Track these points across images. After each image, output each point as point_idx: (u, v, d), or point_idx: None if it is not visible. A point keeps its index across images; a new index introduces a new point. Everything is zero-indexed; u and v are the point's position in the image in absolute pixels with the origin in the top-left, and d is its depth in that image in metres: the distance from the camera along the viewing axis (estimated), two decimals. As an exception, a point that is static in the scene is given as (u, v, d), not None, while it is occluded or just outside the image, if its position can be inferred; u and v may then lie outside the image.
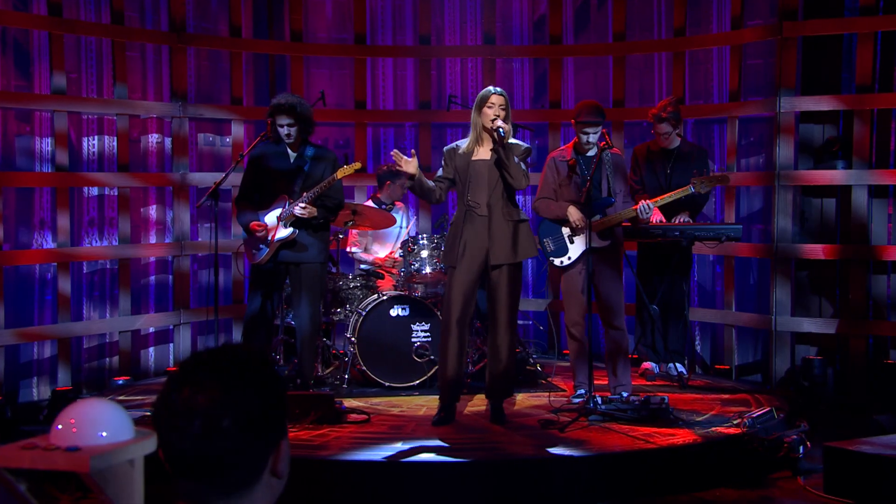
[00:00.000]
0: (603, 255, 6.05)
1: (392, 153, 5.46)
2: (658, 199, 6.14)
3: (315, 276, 6.03)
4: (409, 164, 5.48)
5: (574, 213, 5.97)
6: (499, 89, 5.56)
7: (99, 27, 7.45)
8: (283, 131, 5.87)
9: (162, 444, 1.69)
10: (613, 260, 6.12)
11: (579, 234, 5.97)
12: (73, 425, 2.45)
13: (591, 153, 6.06)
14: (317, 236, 6.02)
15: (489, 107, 5.51)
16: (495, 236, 5.55)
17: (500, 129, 5.43)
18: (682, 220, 6.71)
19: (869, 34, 6.94)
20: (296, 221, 5.89)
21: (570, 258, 6.06)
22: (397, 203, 7.51)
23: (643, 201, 6.05)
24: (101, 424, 2.45)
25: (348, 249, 7.50)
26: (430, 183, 5.66)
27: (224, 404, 1.64)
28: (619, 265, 6.16)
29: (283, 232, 5.89)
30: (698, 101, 8.04)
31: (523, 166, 5.56)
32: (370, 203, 7.40)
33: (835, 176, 7.09)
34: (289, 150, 5.98)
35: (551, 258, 6.11)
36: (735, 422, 5.53)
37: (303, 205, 5.81)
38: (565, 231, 6.06)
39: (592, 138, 5.99)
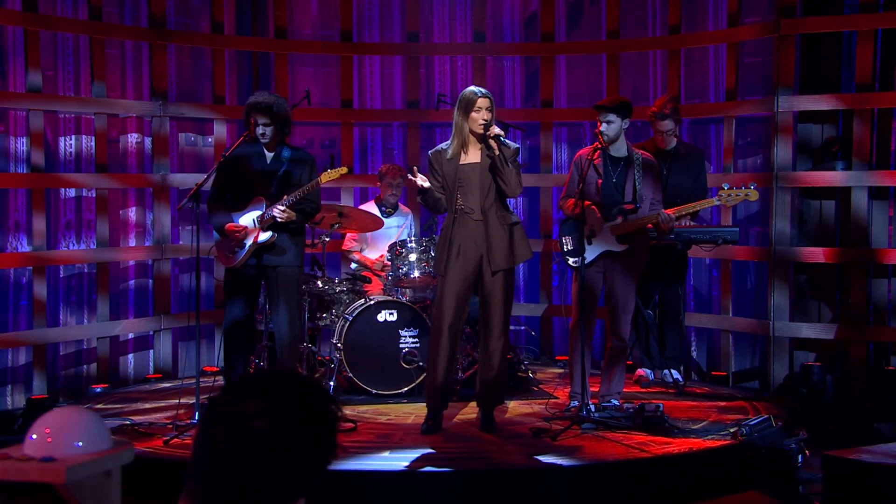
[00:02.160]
0: (620, 260, 6.01)
1: (413, 177, 5.51)
2: (679, 209, 6.08)
3: (294, 280, 6.00)
4: (424, 180, 5.52)
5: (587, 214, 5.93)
6: (483, 91, 5.53)
7: (76, 23, 7.43)
8: (259, 131, 5.84)
9: (197, 436, 1.70)
10: (630, 267, 6.05)
11: (597, 236, 5.94)
12: (48, 435, 2.44)
13: (616, 153, 6.04)
14: (295, 240, 5.99)
15: (476, 111, 5.49)
16: (493, 241, 5.54)
17: (501, 136, 5.42)
18: (685, 224, 6.68)
19: (869, 32, 6.97)
20: (274, 224, 5.86)
21: (585, 259, 6.01)
22: (404, 208, 7.56)
23: (664, 211, 5.95)
24: (76, 434, 2.44)
25: (344, 249, 7.54)
26: (438, 194, 5.65)
27: (275, 437, 1.66)
28: (634, 274, 6.08)
29: (262, 235, 5.87)
30: (694, 100, 8.06)
31: (515, 170, 5.54)
32: (371, 205, 7.44)
33: (834, 177, 7.11)
34: (265, 151, 5.95)
35: (567, 257, 6.07)
36: (732, 430, 5.53)
37: (282, 208, 5.78)
38: (585, 231, 6.00)
39: (604, 128, 5.90)
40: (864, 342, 7.03)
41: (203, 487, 1.67)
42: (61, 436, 2.43)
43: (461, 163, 5.60)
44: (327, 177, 5.89)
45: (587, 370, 5.93)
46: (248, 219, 5.90)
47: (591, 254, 5.98)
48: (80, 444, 2.44)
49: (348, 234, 7.47)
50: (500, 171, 5.46)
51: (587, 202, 5.89)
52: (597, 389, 6.22)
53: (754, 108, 7.49)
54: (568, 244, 6.05)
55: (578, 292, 5.91)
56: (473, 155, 5.60)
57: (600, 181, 5.97)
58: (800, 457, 5.26)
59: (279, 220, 5.80)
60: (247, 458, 1.64)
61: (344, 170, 5.97)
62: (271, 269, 5.94)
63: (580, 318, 5.89)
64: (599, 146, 5.94)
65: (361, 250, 7.54)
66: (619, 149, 6.01)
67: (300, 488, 1.70)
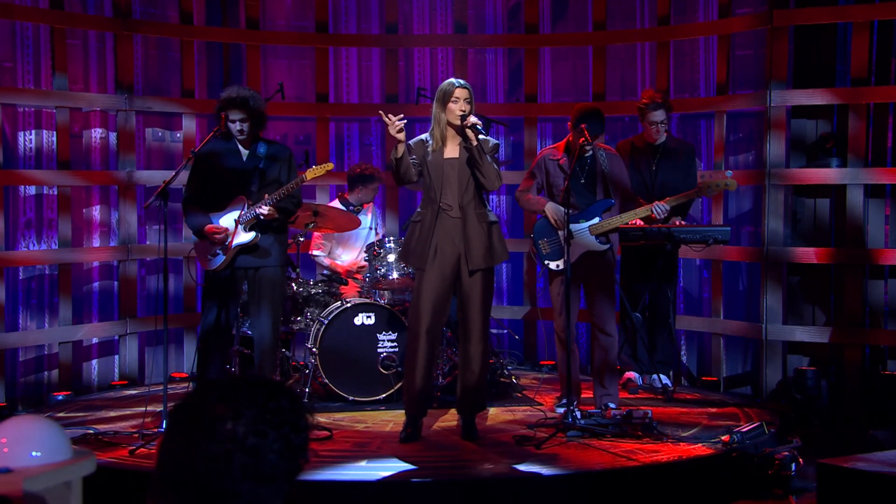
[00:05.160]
0: (595, 259, 6.10)
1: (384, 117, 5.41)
2: (669, 199, 6.18)
3: (276, 282, 5.98)
4: (398, 129, 5.39)
5: (550, 211, 6.04)
6: (461, 81, 5.55)
7: (36, 12, 7.37)
8: (235, 127, 5.81)
9: (164, 440, 1.70)
10: (608, 264, 6.18)
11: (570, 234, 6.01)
12: (4, 445, 2.42)
13: (586, 154, 6.10)
14: (277, 239, 5.98)
15: (454, 101, 5.49)
16: (471, 240, 5.54)
17: (478, 126, 5.42)
18: (677, 223, 6.69)
19: (865, 23, 7.00)
20: (255, 224, 5.84)
21: (566, 262, 6.04)
22: (365, 205, 7.50)
23: (658, 202, 6.11)
24: (34, 444, 2.42)
25: (311, 252, 7.47)
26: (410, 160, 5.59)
27: (245, 441, 1.66)
28: (612, 270, 6.24)
29: (245, 236, 5.84)
30: (684, 94, 8.08)
31: (495, 165, 5.56)
32: (336, 203, 7.38)
33: (829, 174, 7.14)
34: (240, 147, 5.92)
35: (547, 261, 6.09)
36: (723, 437, 5.54)
37: (267, 208, 5.76)
38: (562, 233, 6.05)
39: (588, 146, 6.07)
40: (860, 346, 7.06)
41: (169, 495, 1.66)
42: (18, 445, 2.41)
43: (440, 157, 5.60)
44: (312, 174, 5.90)
45: (575, 374, 5.96)
46: (228, 219, 5.88)
47: (572, 255, 6.02)
48: (38, 454, 2.41)
49: (315, 236, 7.41)
50: (477, 163, 5.46)
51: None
52: (589, 395, 6.26)
53: (746, 102, 7.51)
54: (546, 247, 6.10)
55: (562, 295, 5.93)
56: (452, 150, 5.60)
57: (567, 182, 6.01)
58: (793, 465, 5.27)
59: (263, 218, 5.78)
60: (216, 464, 1.63)
61: (330, 166, 6.05)
62: (253, 270, 5.92)
63: (566, 321, 5.92)
64: (577, 145, 5.98)
65: (330, 251, 7.50)
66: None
67: (271, 495, 1.69)
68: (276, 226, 5.93)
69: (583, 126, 5.97)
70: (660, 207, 6.11)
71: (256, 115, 5.85)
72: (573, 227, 6.03)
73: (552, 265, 6.09)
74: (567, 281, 5.85)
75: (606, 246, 6.11)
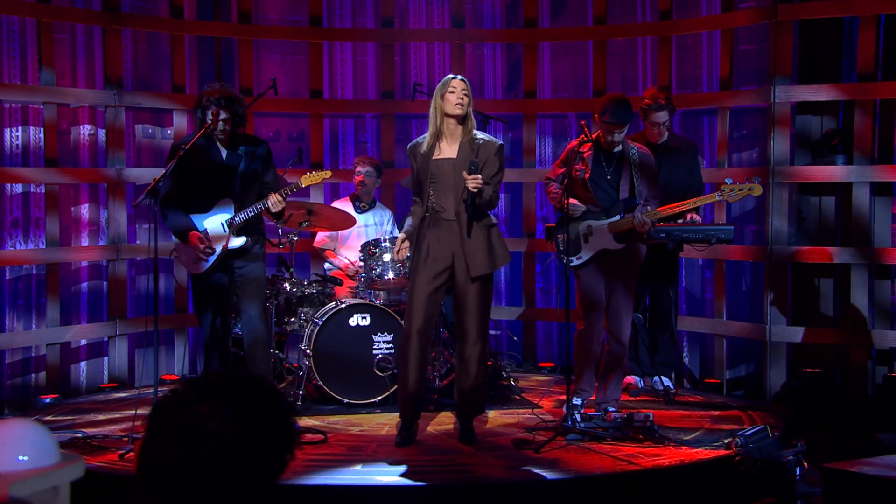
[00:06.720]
0: (615, 261, 6.12)
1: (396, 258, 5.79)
2: (680, 205, 6.14)
3: (261, 277, 6.11)
4: (404, 250, 5.71)
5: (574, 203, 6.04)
6: (459, 75, 5.57)
7: (23, 5, 7.36)
8: (220, 126, 5.85)
9: (145, 443, 1.70)
10: (628, 267, 6.17)
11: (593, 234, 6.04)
12: (-10, 449, 2.41)
13: (610, 147, 6.12)
14: (258, 238, 6.08)
15: (451, 91, 5.50)
16: (470, 244, 5.53)
17: (476, 189, 5.37)
18: (691, 218, 6.65)
19: (871, 17, 7.00)
20: (243, 228, 5.90)
21: (580, 258, 6.10)
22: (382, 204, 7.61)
23: (640, 215, 6.05)
24: (20, 448, 2.41)
25: (318, 247, 7.56)
26: (412, 220, 5.69)
27: (229, 439, 1.67)
28: (633, 274, 6.22)
29: (236, 241, 5.89)
30: (686, 90, 8.08)
31: (496, 166, 5.51)
32: (346, 203, 7.45)
33: (834, 172, 7.14)
34: (220, 147, 5.94)
35: (562, 256, 6.12)
36: (726, 441, 5.55)
37: (278, 201, 5.82)
38: (581, 229, 6.07)
39: (618, 138, 6.06)
40: (866, 347, 7.07)
41: (152, 497, 1.66)
42: (4, 450, 2.40)
43: (435, 157, 5.59)
44: (308, 180, 5.95)
45: (583, 376, 5.97)
46: (214, 222, 5.89)
47: (586, 253, 6.06)
48: (25, 458, 2.41)
49: (320, 232, 7.47)
50: (476, 204, 5.47)
51: (572, 199, 5.95)
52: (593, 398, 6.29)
53: (750, 98, 7.51)
54: (562, 243, 6.10)
55: (578, 293, 6.03)
56: (449, 149, 5.58)
57: (587, 175, 6.03)
58: (798, 469, 5.27)
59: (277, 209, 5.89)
60: (200, 464, 1.63)
61: (328, 174, 6.09)
62: (239, 269, 5.99)
63: (584, 320, 6.06)
64: (586, 139, 5.98)
65: (333, 249, 7.54)
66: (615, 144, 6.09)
67: (257, 493, 1.68)
68: (255, 223, 6.02)
69: (582, 123, 5.98)
70: (639, 219, 6.06)
71: (241, 114, 5.90)
72: (592, 222, 6.07)
73: (566, 260, 6.08)
74: (566, 279, 5.85)
75: (621, 246, 6.10)
